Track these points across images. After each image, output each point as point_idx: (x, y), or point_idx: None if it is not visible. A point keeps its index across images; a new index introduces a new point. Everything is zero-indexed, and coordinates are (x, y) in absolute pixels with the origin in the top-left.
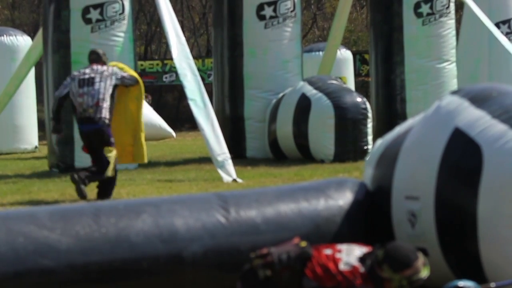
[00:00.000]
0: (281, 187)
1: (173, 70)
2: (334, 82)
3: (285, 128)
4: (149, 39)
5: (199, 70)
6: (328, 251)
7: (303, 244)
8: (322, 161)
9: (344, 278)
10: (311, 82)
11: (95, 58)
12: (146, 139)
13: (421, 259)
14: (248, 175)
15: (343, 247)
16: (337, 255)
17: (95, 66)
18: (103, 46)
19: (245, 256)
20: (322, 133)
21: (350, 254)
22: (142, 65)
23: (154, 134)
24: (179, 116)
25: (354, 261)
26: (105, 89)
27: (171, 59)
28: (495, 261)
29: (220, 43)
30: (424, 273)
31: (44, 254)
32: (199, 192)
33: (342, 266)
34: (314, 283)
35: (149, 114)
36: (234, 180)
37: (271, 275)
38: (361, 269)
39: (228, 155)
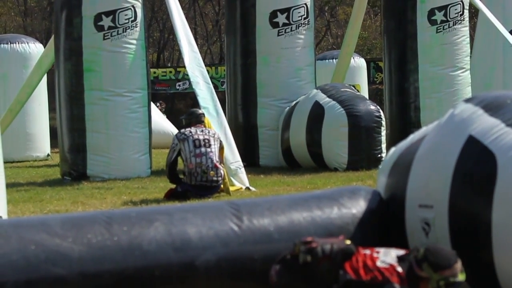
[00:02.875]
0: (294, 195)
1: (186, 77)
2: (347, 90)
3: (298, 136)
4: (162, 46)
5: (212, 77)
6: (366, 251)
7: (348, 242)
8: (335, 170)
9: (381, 274)
10: (324, 90)
11: (200, 119)
12: (158, 147)
13: (459, 263)
14: (261, 183)
15: (381, 249)
16: (375, 255)
17: (203, 128)
18: (115, 53)
19: (258, 264)
20: (336, 141)
21: (387, 255)
22: (155, 72)
23: (167, 142)
24: None
25: (392, 260)
26: (218, 151)
27: (184, 66)
28: (509, 270)
29: (233, 51)
30: (461, 277)
31: (56, 262)
32: (212, 200)
33: (379, 263)
34: (350, 276)
35: (161, 121)
36: (247, 188)
37: (310, 262)
38: (398, 268)
39: (241, 163)
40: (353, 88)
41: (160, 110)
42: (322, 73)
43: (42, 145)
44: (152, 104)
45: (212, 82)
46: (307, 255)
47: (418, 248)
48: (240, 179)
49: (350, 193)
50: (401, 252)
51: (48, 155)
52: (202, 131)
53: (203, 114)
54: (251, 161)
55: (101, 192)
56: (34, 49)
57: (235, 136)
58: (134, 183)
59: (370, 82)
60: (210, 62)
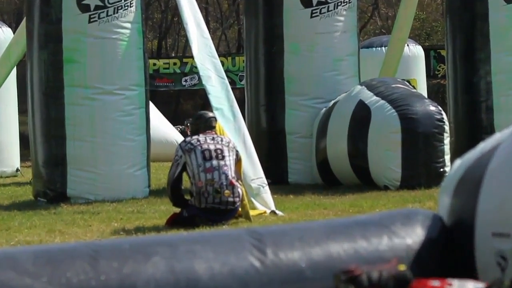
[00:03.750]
0: (332, 221)
1: (194, 71)
2: (400, 86)
3: (337, 146)
4: (163, 31)
5: (228, 71)
6: (435, 283)
7: (402, 267)
8: (385, 188)
9: None
10: (370, 87)
11: (210, 124)
12: (159, 160)
13: None
14: (290, 206)
15: (454, 281)
16: None
17: (215, 135)
18: (104, 40)
19: None
20: (386, 151)
21: None
22: (155, 64)
23: (169, 153)
24: None
25: None
26: (234, 164)
27: (192, 57)
28: None
29: (255, 37)
30: None
31: None
32: (227, 228)
33: None
34: None
35: (163, 127)
36: (273, 212)
37: None
38: None
39: (264, 180)
40: (408, 83)
41: (181, 131)
42: (368, 65)
43: (10, 158)
44: (152, 106)
45: (228, 77)
46: (349, 285)
47: (502, 280)
48: (263, 200)
49: (404, 218)
50: (480, 285)
51: (17, 170)
52: (213, 139)
53: (214, 117)
54: (277, 177)
55: (85, 218)
56: (1, 34)
57: (257, 146)
58: (127, 206)
59: (430, 75)
60: (225, 51)
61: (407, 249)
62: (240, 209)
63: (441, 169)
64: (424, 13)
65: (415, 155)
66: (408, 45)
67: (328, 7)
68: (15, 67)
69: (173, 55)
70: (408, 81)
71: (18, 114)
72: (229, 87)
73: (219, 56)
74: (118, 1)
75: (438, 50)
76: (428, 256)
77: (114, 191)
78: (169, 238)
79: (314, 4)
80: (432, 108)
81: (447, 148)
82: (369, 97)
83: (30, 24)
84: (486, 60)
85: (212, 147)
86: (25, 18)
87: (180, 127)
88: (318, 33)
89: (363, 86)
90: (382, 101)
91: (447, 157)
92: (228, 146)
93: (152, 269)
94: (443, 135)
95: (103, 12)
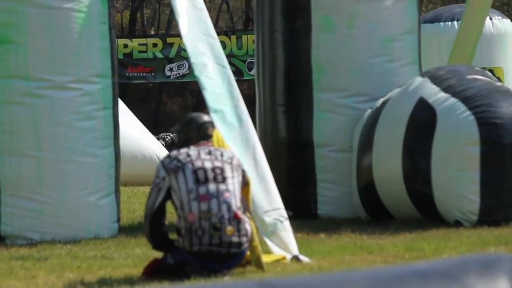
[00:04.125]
0: (380, 271)
1: (183, 56)
2: (479, 77)
3: (388, 164)
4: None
5: (231, 56)
6: None
7: None
8: (457, 224)
9: None
10: (436, 79)
11: (206, 133)
12: (133, 183)
13: None
14: (320, 250)
15: None
16: None
17: (212, 148)
18: (52, 10)
19: None
20: (457, 172)
21: None
22: (126, 46)
23: (148, 173)
24: None
25: None
26: (240, 190)
27: (180, 36)
28: None
29: (269, 8)
30: None
31: None
32: (230, 280)
33: None
34: None
35: (138, 137)
36: (295, 257)
37: None
38: None
39: (283, 212)
40: (491, 74)
41: (170, 142)
42: (433, 47)
43: None
44: (123, 106)
45: (232, 64)
46: None
47: None
48: (281, 241)
49: (482, 267)
50: None
51: None
52: (209, 153)
53: (212, 123)
54: (302, 208)
55: (28, 266)
56: None
57: (274, 163)
58: (87, 249)
59: None
60: (228, 27)
61: None
62: (248, 253)
63: None
64: None
65: (500, 177)
66: (490, 18)
67: None
68: None
69: (152, 32)
70: (491, 71)
71: None
72: (233, 79)
73: (219, 34)
74: None
75: None
76: None
77: (69, 227)
78: None
79: None
80: None
81: None
82: (434, 94)
83: None
84: None
85: (208, 165)
86: None
87: (169, 136)
88: (360, 1)
89: (426, 78)
90: (453, 99)
91: None
92: (231, 163)
93: None
94: None
95: None
